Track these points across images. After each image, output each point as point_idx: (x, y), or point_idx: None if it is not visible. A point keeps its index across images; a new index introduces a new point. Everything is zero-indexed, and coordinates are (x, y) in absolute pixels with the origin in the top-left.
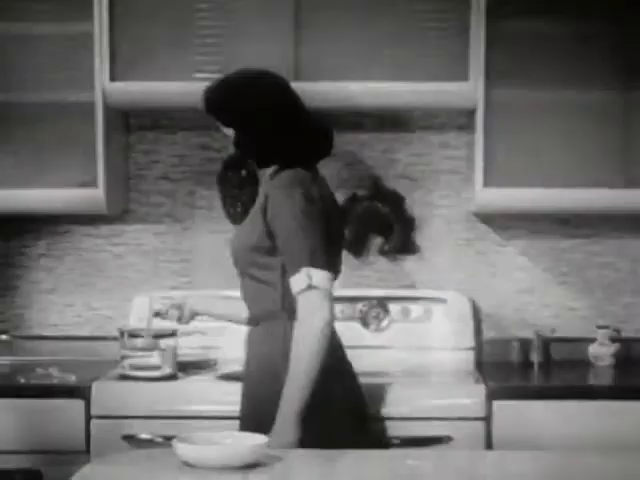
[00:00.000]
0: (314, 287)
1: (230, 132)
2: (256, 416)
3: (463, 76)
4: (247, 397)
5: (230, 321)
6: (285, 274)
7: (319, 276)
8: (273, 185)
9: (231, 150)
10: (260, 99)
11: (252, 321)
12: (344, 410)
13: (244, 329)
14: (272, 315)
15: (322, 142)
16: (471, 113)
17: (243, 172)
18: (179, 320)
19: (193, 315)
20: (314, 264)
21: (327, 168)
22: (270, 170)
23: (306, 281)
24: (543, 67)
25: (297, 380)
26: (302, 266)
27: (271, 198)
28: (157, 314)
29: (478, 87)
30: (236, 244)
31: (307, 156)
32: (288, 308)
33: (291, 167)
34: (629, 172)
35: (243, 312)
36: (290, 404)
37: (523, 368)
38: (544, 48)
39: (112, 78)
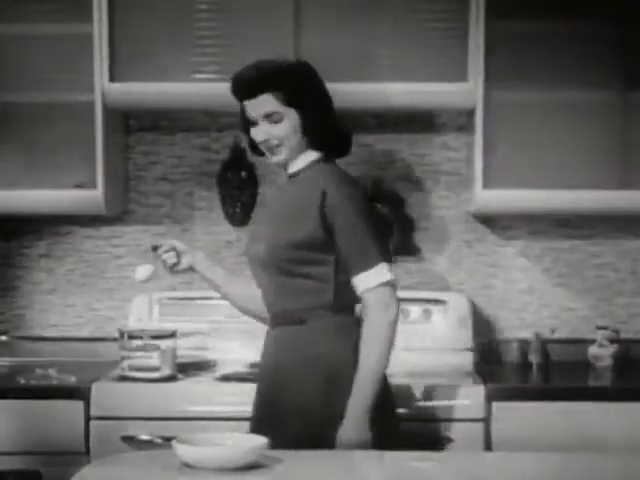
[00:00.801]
0: (390, 282)
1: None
2: (294, 414)
3: (462, 77)
4: (281, 395)
5: (225, 297)
6: (339, 269)
7: (392, 271)
8: (329, 180)
9: (241, 146)
10: (317, 84)
11: (289, 319)
12: (387, 410)
13: (245, 331)
14: (321, 312)
15: (343, 142)
16: (471, 114)
17: (242, 173)
18: (173, 266)
19: (189, 269)
20: (386, 260)
21: None
22: (298, 165)
23: (385, 276)
24: (542, 68)
25: (371, 376)
26: (377, 262)
27: (331, 193)
28: (155, 249)
29: (477, 88)
30: (274, 241)
31: (332, 153)
32: (341, 304)
33: (326, 161)
34: (628, 173)
35: (246, 297)
36: (364, 400)
37: (522, 369)
38: (543, 49)
39: (111, 79)
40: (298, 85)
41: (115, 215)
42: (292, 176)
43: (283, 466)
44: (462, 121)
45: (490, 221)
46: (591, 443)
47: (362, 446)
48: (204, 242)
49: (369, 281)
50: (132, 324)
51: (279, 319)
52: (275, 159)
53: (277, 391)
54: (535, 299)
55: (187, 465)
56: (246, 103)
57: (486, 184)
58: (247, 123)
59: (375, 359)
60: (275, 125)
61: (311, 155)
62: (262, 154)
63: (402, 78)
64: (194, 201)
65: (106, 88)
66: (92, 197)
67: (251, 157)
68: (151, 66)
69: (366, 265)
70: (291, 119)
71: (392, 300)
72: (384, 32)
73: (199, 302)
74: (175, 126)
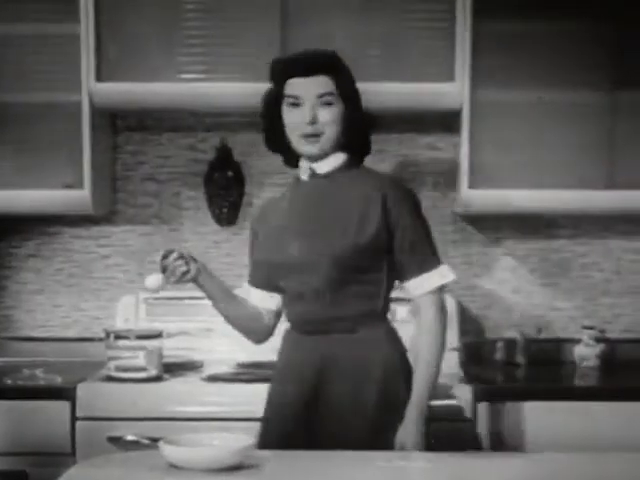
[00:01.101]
0: (445, 285)
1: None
2: (349, 422)
3: (449, 77)
4: (330, 402)
5: (220, 310)
6: (390, 274)
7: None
8: (386, 182)
9: (228, 146)
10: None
11: (339, 328)
12: None
13: (231, 331)
14: (370, 319)
15: (370, 144)
16: (457, 114)
17: (229, 173)
18: (181, 276)
19: (193, 280)
20: (443, 262)
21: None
22: (329, 165)
23: (449, 277)
24: (529, 68)
25: (429, 377)
26: (439, 263)
27: (392, 196)
28: (165, 256)
29: (464, 88)
30: (338, 246)
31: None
32: (385, 310)
33: (358, 163)
34: (615, 173)
35: (244, 312)
36: (424, 401)
37: (508, 369)
38: (530, 49)
39: (98, 79)
40: (349, 75)
41: (103, 215)
42: (324, 176)
43: (270, 466)
44: (449, 121)
45: (477, 221)
46: (578, 443)
47: (421, 446)
48: (192, 242)
49: (432, 282)
50: (119, 324)
51: (325, 326)
52: (309, 148)
53: (325, 398)
54: (521, 299)
55: (174, 466)
56: (295, 82)
57: (473, 184)
58: (274, 110)
59: (433, 361)
60: (325, 108)
61: (341, 156)
62: (279, 149)
63: (389, 78)
64: (181, 201)
65: (93, 88)
66: (80, 197)
67: (238, 157)
68: (138, 66)
69: (429, 266)
70: (339, 107)
71: (444, 302)
72: (371, 32)
73: (186, 302)
74: (162, 126)
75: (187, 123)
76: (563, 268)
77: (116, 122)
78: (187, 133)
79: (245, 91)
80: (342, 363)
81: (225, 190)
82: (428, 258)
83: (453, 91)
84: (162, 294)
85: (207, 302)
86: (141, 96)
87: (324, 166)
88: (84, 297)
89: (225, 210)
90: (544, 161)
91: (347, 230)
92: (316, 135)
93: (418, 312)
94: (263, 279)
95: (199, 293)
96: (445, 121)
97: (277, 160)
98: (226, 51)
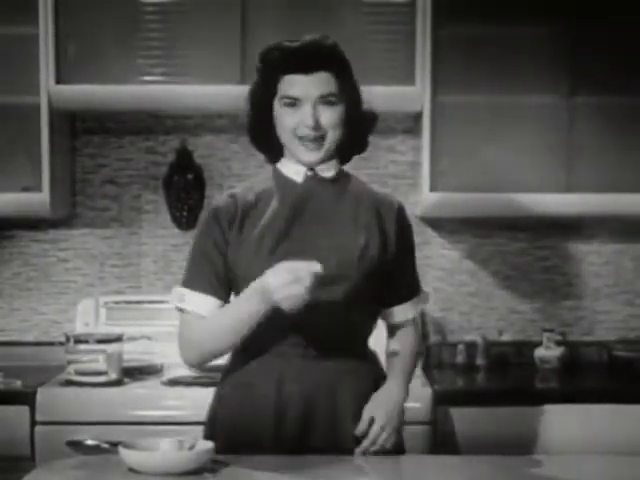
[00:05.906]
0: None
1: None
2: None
3: (410, 80)
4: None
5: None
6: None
7: None
8: (390, 195)
9: (188, 148)
10: None
11: (339, 352)
12: None
13: None
14: (364, 344)
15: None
16: (418, 117)
17: (189, 176)
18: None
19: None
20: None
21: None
22: (332, 170)
23: (426, 300)
24: (489, 72)
25: (410, 377)
26: (421, 286)
27: (404, 214)
28: None
29: (424, 91)
30: (368, 261)
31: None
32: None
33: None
34: (574, 176)
35: None
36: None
37: (469, 372)
38: (490, 53)
39: (58, 81)
40: (350, 70)
41: (61, 218)
42: (326, 180)
43: (230, 470)
44: (409, 124)
45: (437, 224)
46: (539, 445)
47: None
48: (151, 245)
49: (419, 307)
50: (78, 328)
51: (333, 350)
52: (310, 156)
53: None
54: (482, 302)
55: (133, 470)
56: (292, 79)
57: (433, 187)
58: (264, 107)
59: (414, 365)
60: (327, 108)
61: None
62: (265, 148)
63: None
64: (141, 204)
65: (52, 90)
66: (38, 200)
67: (198, 160)
68: (98, 68)
69: (418, 290)
70: (341, 107)
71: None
72: (332, 35)
73: (146, 306)
74: (122, 128)
75: (147, 125)
76: (523, 271)
77: (75, 124)
78: (147, 136)
79: (206, 93)
80: (339, 394)
81: (185, 193)
82: (418, 282)
83: (414, 94)
84: (122, 298)
85: (167, 306)
86: (101, 98)
87: (327, 170)
88: (43, 301)
89: (185, 213)
90: (504, 164)
91: (371, 243)
92: (317, 140)
93: (397, 336)
94: (226, 288)
95: (158, 297)
96: (405, 124)
97: (238, 163)
98: (186, 53)
